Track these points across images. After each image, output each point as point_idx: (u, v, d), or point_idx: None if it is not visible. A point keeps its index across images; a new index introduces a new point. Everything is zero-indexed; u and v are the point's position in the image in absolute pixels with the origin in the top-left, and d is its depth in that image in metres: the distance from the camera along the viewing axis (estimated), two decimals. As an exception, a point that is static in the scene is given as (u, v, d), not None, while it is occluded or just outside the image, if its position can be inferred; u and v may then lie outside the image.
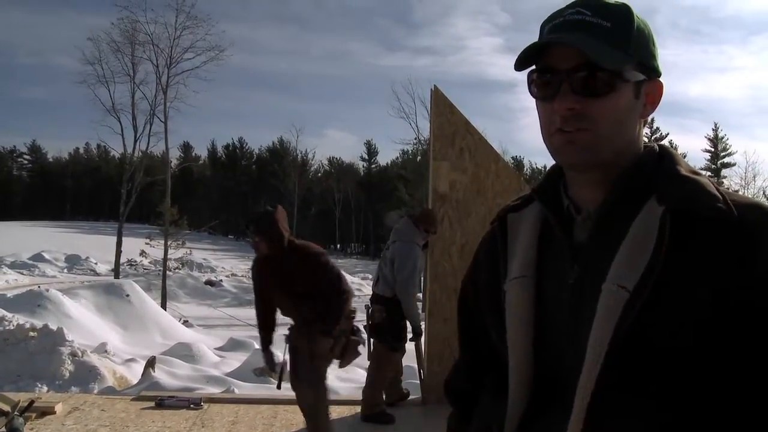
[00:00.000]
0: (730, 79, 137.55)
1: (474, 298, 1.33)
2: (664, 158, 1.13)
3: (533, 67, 1.11)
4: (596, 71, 1.04)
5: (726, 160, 59.89)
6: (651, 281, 0.98)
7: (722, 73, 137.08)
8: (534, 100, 1.14)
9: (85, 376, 8.90)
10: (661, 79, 1.14)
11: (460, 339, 1.41)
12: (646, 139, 1.16)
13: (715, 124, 63.60)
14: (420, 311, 6.31)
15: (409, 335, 6.09)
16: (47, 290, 14.46)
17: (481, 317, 1.29)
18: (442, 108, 6.55)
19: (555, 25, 1.10)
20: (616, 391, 1.00)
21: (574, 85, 1.05)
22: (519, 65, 1.10)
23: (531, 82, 1.12)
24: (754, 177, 52.45)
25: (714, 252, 0.99)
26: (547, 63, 1.08)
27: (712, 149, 60.99)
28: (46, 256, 43.29)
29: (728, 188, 1.16)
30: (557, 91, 1.06)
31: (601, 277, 1.03)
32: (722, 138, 61.93)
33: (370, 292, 6.37)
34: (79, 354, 9.27)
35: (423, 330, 6.20)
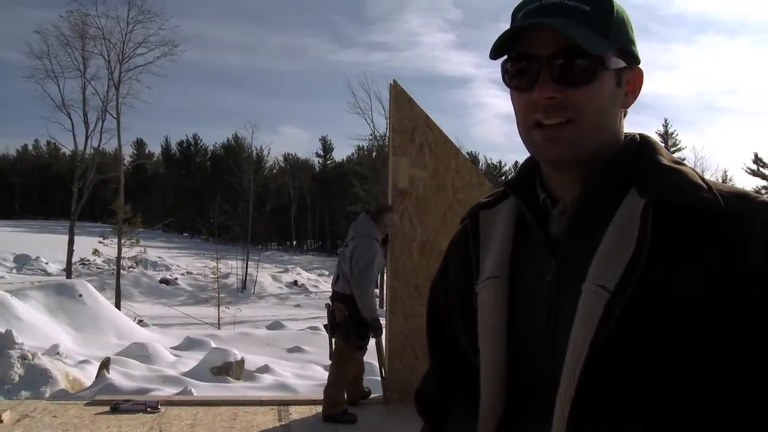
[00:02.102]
0: (677, 76, 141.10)
1: (444, 302, 1.26)
2: (645, 148, 1.07)
3: (509, 54, 1.04)
4: (578, 58, 0.98)
5: (676, 155, 60.67)
6: (633, 280, 0.92)
7: (670, 71, 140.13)
8: (509, 92, 1.07)
9: (36, 379, 8.62)
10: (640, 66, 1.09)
11: (429, 346, 1.33)
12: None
13: (665, 120, 64.81)
14: (377, 307, 6.25)
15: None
16: (-5, 292, 14.03)
17: (452, 323, 1.22)
18: (401, 103, 6.49)
19: (530, 10, 1.02)
20: (599, 399, 0.94)
21: (554, 72, 0.99)
22: (495, 53, 1.04)
23: (505, 71, 1.05)
24: (703, 172, 53.54)
25: (700, 245, 0.93)
26: (524, 50, 1.01)
27: (663, 144, 62.17)
28: (-6, 256, 42.24)
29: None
30: (536, 79, 0.99)
31: (579, 274, 0.97)
32: (672, 134, 63.21)
33: (328, 289, 6.31)
34: (30, 357, 8.98)
35: (382, 325, 6.13)
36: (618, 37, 1.02)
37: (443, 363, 1.30)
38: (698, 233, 0.94)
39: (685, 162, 1.07)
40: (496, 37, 1.03)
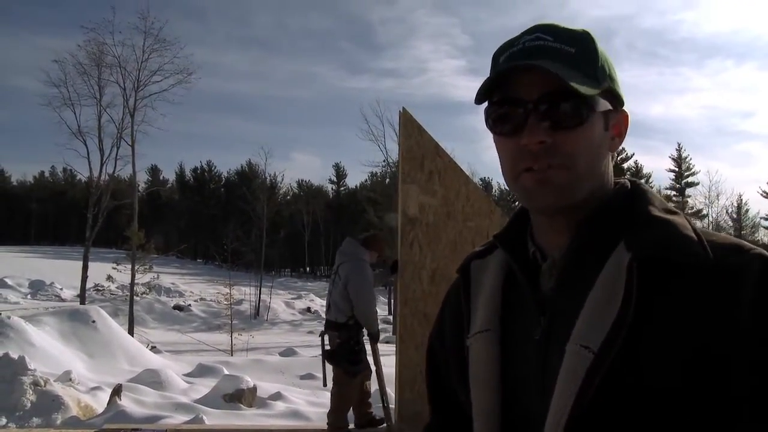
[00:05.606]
0: (688, 100, 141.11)
1: (442, 353, 1.22)
2: (636, 197, 1.02)
3: (492, 99, 1.01)
4: (566, 100, 0.94)
5: (690, 179, 60.70)
6: (618, 340, 0.88)
7: (680, 95, 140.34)
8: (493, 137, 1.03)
9: (48, 406, 8.64)
10: (625, 108, 1.06)
11: (429, 399, 1.30)
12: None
13: (679, 144, 64.82)
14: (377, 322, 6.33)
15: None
16: (9, 317, 14.06)
17: (450, 374, 1.18)
18: (410, 130, 6.52)
19: (513, 53, 0.99)
20: None
21: (542, 116, 0.94)
22: (480, 99, 1.00)
23: (489, 116, 1.01)
24: (717, 196, 53.59)
25: (689, 303, 0.88)
26: (510, 93, 0.97)
27: (676, 169, 61.86)
28: (9, 281, 42.48)
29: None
30: (523, 124, 0.95)
31: (566, 333, 0.93)
32: (685, 158, 63.00)
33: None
34: (42, 383, 9.01)
35: (379, 335, 6.24)
36: (604, 79, 0.99)
37: (443, 414, 1.26)
38: (687, 290, 0.89)
39: (678, 211, 1.02)
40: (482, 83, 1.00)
